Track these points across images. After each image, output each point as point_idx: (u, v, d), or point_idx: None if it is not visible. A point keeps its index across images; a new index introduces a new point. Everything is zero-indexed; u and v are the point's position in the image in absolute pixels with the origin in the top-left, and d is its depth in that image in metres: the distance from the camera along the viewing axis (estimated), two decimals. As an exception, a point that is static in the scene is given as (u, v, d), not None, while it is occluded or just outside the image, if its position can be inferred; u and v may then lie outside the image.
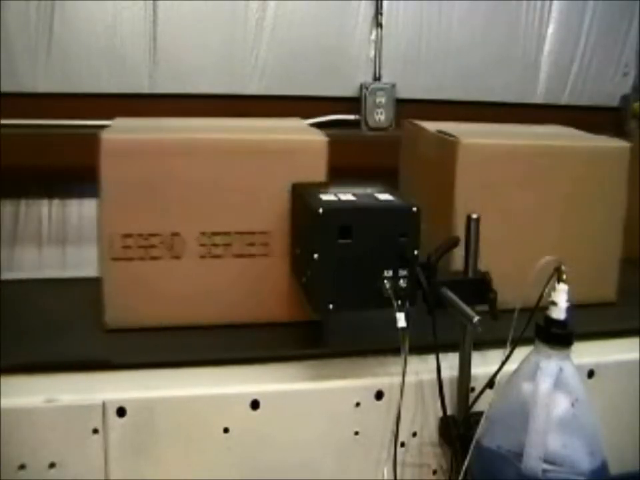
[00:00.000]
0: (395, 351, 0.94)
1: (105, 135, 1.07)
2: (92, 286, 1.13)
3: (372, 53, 2.03)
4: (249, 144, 1.12)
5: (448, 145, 1.20)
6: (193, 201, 1.09)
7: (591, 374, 1.07)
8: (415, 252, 0.95)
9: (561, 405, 0.88)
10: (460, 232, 1.03)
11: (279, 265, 1.11)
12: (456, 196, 1.18)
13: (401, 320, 0.91)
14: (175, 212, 1.08)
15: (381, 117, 2.02)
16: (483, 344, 1.03)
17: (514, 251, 1.17)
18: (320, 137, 1.13)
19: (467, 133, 1.22)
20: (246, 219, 1.10)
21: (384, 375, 1.01)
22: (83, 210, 1.87)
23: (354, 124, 2.02)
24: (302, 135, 1.21)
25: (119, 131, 1.14)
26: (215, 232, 1.10)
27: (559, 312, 0.88)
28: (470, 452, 0.92)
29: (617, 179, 1.25)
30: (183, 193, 1.08)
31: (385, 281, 0.93)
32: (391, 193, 1.01)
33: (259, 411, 0.97)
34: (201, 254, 1.10)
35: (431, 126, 1.32)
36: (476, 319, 0.90)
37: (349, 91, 2.03)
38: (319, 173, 1.10)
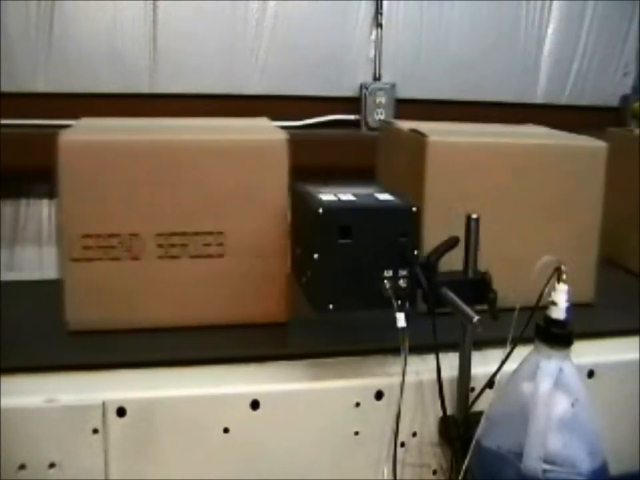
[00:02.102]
0: (394, 350, 0.94)
1: (63, 136, 1.06)
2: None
3: (372, 52, 2.03)
4: (205, 144, 1.10)
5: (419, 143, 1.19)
6: (149, 201, 1.07)
7: (590, 374, 1.07)
8: (415, 252, 0.95)
9: (561, 405, 0.88)
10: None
11: (235, 265, 1.10)
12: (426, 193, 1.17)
13: (401, 320, 0.91)
14: (132, 213, 1.07)
15: (380, 117, 2.03)
16: (483, 344, 1.03)
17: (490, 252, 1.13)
18: (280, 136, 1.11)
19: (438, 131, 1.21)
20: (202, 219, 1.09)
21: (384, 375, 1.01)
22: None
23: (354, 124, 2.02)
24: (263, 134, 1.18)
25: (79, 132, 1.13)
26: (173, 232, 1.08)
27: (559, 312, 0.88)
28: (470, 452, 0.92)
29: (594, 178, 1.24)
30: (139, 193, 1.07)
31: (385, 281, 0.93)
32: (391, 193, 1.01)
33: (259, 410, 0.97)
34: (159, 255, 1.08)
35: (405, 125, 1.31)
36: (476, 318, 0.90)
37: (349, 90, 2.03)
38: (278, 172, 1.09)
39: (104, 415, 0.93)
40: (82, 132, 1.14)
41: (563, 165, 1.23)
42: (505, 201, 1.20)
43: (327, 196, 0.98)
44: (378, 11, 2.00)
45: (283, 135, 1.12)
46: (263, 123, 1.32)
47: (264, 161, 1.10)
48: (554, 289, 0.88)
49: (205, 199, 1.09)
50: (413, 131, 1.23)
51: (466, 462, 0.92)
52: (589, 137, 1.29)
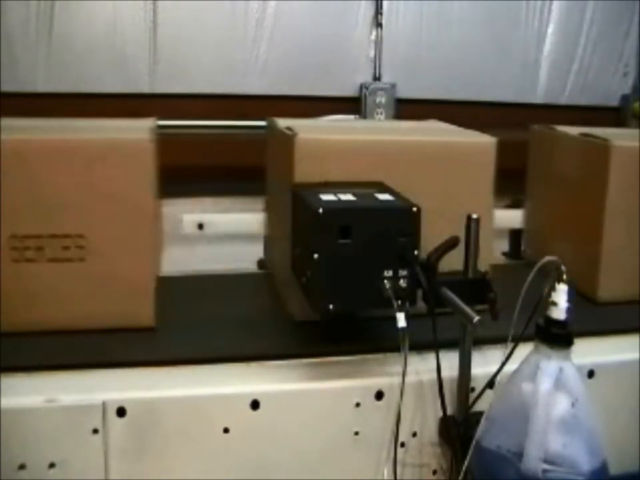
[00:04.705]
0: (394, 350, 0.94)
1: None
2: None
3: (372, 53, 2.03)
4: (66, 144, 1.05)
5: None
6: (5, 202, 1.02)
7: (591, 374, 1.07)
8: (415, 252, 0.95)
9: (561, 405, 0.88)
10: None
11: (96, 269, 1.06)
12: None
13: (401, 320, 0.91)
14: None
15: (380, 116, 2.03)
16: (483, 343, 1.03)
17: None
18: (143, 136, 1.06)
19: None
20: (60, 221, 1.04)
21: (384, 375, 1.01)
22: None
23: (354, 124, 2.02)
24: (128, 134, 1.11)
25: None
26: (27, 235, 1.04)
27: (559, 312, 0.88)
28: (470, 452, 0.92)
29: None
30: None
31: (385, 281, 0.93)
32: (391, 193, 1.01)
33: (259, 410, 0.97)
34: (14, 258, 1.04)
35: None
36: (476, 319, 0.90)
37: (349, 91, 2.03)
38: (141, 174, 1.05)
39: (104, 414, 0.92)
40: None
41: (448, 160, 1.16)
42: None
43: (327, 196, 0.98)
44: (378, 10, 2.00)
45: (146, 135, 1.06)
46: (140, 123, 1.21)
47: (127, 162, 1.04)
48: (554, 289, 0.88)
49: (65, 201, 1.04)
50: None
51: (466, 462, 0.92)
52: (478, 133, 1.24)
